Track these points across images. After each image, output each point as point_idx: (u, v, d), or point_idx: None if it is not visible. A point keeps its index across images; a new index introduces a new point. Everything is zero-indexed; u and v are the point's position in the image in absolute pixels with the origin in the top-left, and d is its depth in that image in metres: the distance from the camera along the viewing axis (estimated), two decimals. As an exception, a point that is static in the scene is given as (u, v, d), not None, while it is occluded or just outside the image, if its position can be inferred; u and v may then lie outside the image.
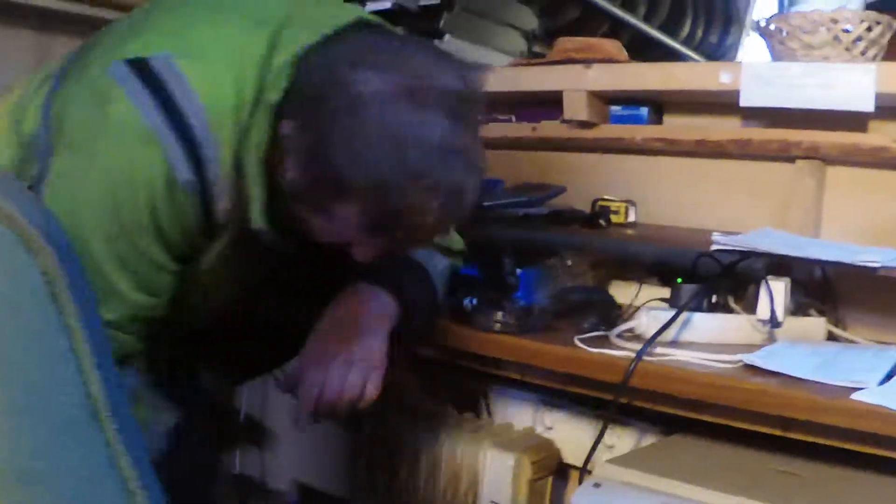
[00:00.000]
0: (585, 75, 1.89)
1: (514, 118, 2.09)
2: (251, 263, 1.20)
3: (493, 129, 2.09)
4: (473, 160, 1.05)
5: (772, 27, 1.71)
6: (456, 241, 1.46)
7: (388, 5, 2.23)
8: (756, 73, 1.66)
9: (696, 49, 4.01)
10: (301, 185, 1.04)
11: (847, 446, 1.20)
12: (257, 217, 1.09)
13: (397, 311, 1.26)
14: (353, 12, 1.14)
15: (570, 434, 1.60)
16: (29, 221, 0.86)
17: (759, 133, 1.75)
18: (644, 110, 1.90)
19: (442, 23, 2.16)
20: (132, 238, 1.06)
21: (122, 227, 1.05)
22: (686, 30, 3.99)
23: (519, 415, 1.68)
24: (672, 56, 3.79)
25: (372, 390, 1.19)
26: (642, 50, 3.44)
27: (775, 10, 1.90)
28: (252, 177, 1.07)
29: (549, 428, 1.63)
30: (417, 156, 0.99)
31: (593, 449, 1.40)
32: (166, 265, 1.12)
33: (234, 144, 1.06)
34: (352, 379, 1.18)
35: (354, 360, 1.19)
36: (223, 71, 1.05)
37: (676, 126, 1.91)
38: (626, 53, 2.02)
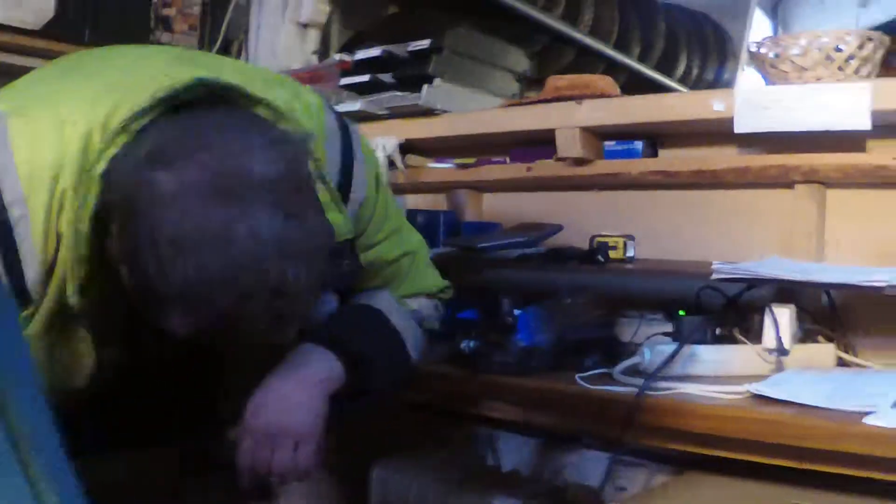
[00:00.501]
0: (577, 112, 1.87)
1: (508, 159, 2.06)
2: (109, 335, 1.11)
3: (488, 172, 2.08)
4: (298, 250, 0.94)
5: (763, 51, 1.69)
6: (430, 281, 1.39)
7: (377, 53, 2.23)
8: (749, 98, 1.63)
9: (692, 86, 4.02)
10: (133, 292, 0.97)
11: (861, 474, 1.16)
12: (71, 293, 1.01)
13: (341, 370, 1.20)
14: (191, 72, 1.05)
15: (580, 478, 1.56)
16: None
17: (756, 160, 1.72)
18: (638, 144, 1.87)
19: (431, 67, 2.16)
20: None
21: None
22: (682, 68, 4.00)
23: (527, 460, 1.64)
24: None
25: (304, 464, 1.14)
26: (639, 91, 3.44)
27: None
28: (72, 248, 1.00)
29: (560, 472, 1.59)
30: (221, 258, 0.90)
31: (601, 490, 1.36)
32: None
33: (51, 209, 1.00)
34: (278, 457, 1.13)
35: (277, 437, 1.13)
36: (46, 132, 0.99)
37: (672, 158, 1.88)
38: (617, 88, 2.00)
